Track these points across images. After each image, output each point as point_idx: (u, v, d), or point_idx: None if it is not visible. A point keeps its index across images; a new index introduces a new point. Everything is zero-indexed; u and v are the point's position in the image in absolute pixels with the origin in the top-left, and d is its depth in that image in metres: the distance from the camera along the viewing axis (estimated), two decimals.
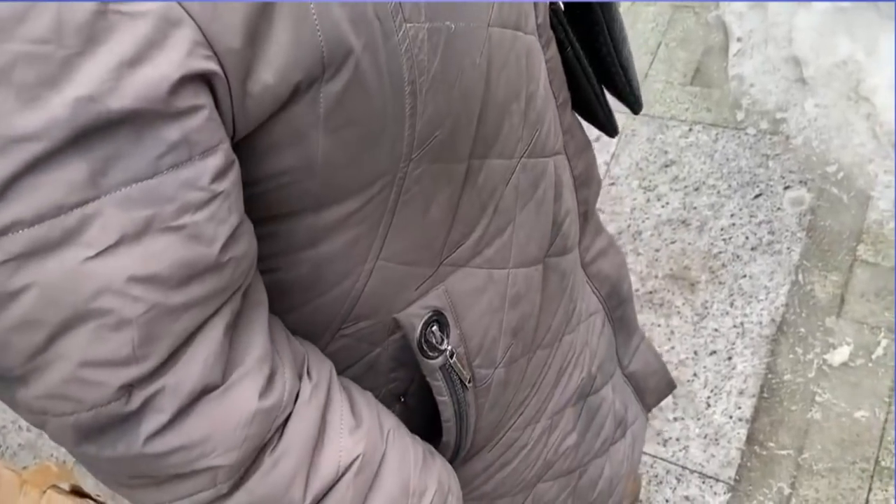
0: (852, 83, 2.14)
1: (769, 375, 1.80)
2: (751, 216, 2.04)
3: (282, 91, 0.49)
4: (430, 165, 0.62)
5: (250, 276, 0.54)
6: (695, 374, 1.85)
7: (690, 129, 2.25)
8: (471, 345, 0.76)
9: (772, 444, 1.72)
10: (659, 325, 1.94)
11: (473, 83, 0.62)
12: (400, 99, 0.55)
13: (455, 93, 0.60)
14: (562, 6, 0.82)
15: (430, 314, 0.71)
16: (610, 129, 0.95)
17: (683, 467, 1.74)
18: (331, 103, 0.52)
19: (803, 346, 1.82)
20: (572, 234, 0.91)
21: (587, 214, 0.98)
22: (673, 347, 1.90)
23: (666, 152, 2.23)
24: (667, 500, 1.72)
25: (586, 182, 0.95)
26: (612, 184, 2.21)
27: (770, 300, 1.90)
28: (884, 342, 1.77)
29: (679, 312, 1.95)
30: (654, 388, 1.26)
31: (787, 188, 2.06)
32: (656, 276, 2.02)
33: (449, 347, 0.73)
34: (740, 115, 2.24)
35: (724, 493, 1.69)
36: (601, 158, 2.18)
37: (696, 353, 1.88)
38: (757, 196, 2.07)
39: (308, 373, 0.61)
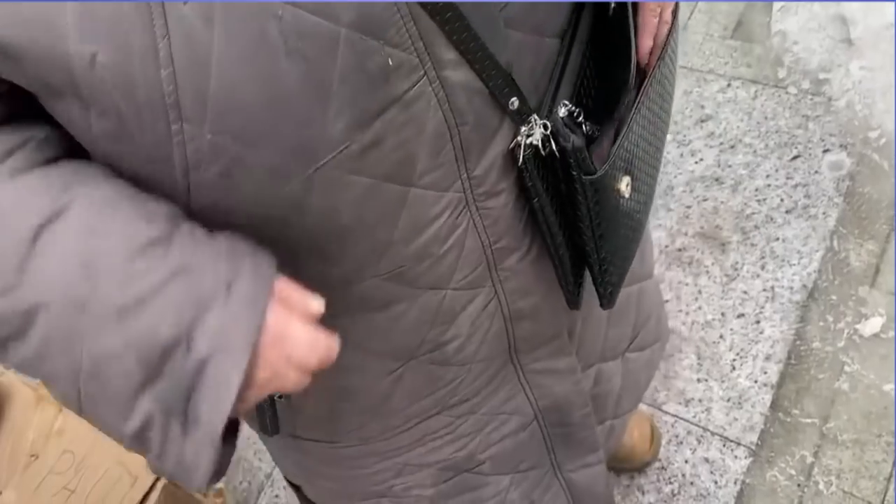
0: None
1: (797, 342, 1.77)
2: (787, 178, 1.98)
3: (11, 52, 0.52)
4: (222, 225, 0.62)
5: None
6: (721, 336, 1.81)
7: (729, 85, 2.18)
8: None
9: (796, 412, 1.69)
10: (687, 284, 1.90)
11: (280, 206, 0.62)
12: (171, 175, 0.58)
13: (244, 203, 0.61)
14: (522, 160, 0.72)
15: None
16: (571, 300, 0.89)
17: (705, 429, 1.72)
18: (97, 129, 0.56)
19: (834, 315, 1.78)
20: (467, 355, 0.87)
21: (532, 340, 0.92)
22: (700, 308, 1.86)
23: (702, 107, 2.16)
24: (686, 461, 1.69)
25: (530, 317, 0.89)
26: None
27: (803, 265, 1.85)
28: None
29: (708, 272, 1.90)
30: None
31: (826, 151, 2.00)
32: (686, 234, 1.97)
33: None
34: (782, 73, 2.17)
35: (745, 457, 1.67)
36: None
37: (723, 314, 1.84)
38: (795, 157, 2.01)
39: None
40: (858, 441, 1.63)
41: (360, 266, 0.72)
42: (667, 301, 1.89)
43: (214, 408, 0.53)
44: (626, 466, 1.71)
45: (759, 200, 1.97)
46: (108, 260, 0.53)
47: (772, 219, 1.93)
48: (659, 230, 1.99)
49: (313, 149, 0.59)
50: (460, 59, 0.64)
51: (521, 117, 0.71)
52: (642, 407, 1.77)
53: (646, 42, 0.81)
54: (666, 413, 1.76)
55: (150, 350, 0.52)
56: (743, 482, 1.65)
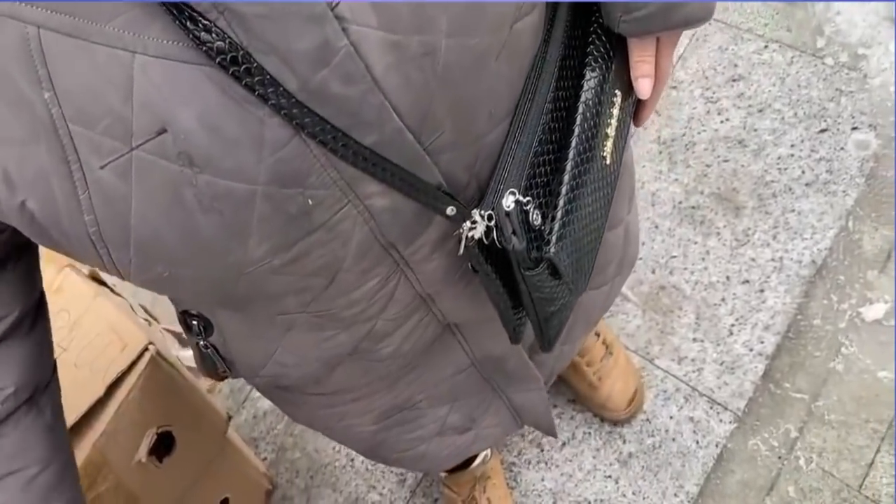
0: None
1: (798, 317, 1.75)
2: (811, 150, 1.94)
3: None
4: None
5: None
6: (723, 300, 1.79)
7: (766, 47, 2.12)
8: (236, 359, 0.87)
9: (787, 385, 1.68)
10: (695, 243, 1.86)
11: (209, 290, 0.68)
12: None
13: (177, 291, 0.73)
14: (464, 248, 0.71)
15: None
16: (514, 337, 0.90)
17: (694, 388, 1.70)
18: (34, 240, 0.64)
19: (839, 295, 1.76)
20: (402, 352, 0.88)
21: (470, 325, 0.94)
22: (706, 268, 1.83)
23: (736, 66, 2.10)
24: (671, 417, 1.68)
25: (469, 322, 0.92)
26: (674, 87, 2.08)
27: (815, 241, 1.82)
28: None
29: (718, 234, 1.87)
30: (531, 421, 1.27)
31: (854, 129, 1.96)
32: (702, 192, 1.92)
33: (204, 342, 0.84)
34: (821, 42, 2.10)
35: (730, 422, 1.66)
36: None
37: (728, 278, 1.81)
38: (822, 131, 1.96)
39: None
40: (845, 423, 1.62)
41: (287, 308, 0.73)
42: (673, 257, 1.85)
43: None
44: (604, 415, 1.70)
45: (780, 169, 1.93)
46: None
47: (790, 189, 1.89)
48: (675, 185, 1.94)
49: (234, 267, 0.63)
50: (386, 188, 0.63)
51: (460, 217, 0.69)
52: (634, 359, 1.75)
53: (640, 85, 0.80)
54: (657, 367, 1.74)
55: None
56: (724, 446, 1.64)
